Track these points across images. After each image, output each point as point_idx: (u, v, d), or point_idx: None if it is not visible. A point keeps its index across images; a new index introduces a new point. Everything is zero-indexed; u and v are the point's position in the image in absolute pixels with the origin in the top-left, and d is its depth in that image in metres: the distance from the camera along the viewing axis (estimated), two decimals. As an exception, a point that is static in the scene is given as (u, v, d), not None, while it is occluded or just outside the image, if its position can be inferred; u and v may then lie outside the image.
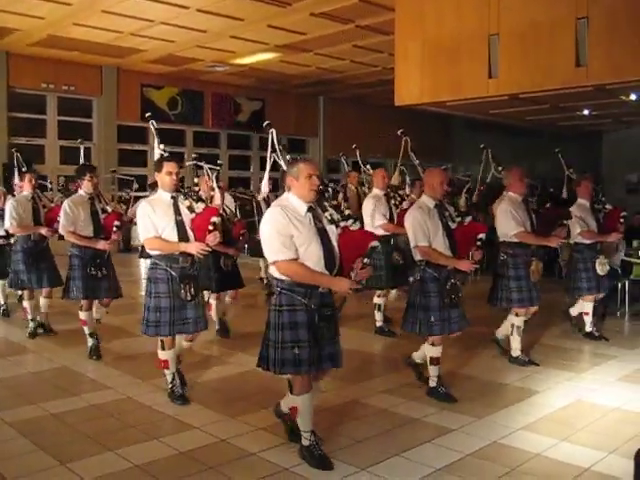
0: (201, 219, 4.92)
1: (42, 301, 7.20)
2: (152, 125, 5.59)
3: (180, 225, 4.86)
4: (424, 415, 4.68)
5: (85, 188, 6.29)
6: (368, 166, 8.92)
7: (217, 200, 6.59)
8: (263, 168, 7.27)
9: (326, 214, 3.92)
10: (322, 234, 3.82)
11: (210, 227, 4.82)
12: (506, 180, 6.14)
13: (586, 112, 12.67)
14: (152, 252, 4.92)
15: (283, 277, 3.77)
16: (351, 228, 3.91)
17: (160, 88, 16.24)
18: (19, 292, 7.97)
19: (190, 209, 4.97)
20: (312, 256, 3.74)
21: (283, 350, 3.74)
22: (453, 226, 5.03)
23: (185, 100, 16.55)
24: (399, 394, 5.18)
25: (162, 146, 5.18)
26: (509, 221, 5.76)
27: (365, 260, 3.75)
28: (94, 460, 3.99)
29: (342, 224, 3.91)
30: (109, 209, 6.45)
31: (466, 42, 8.86)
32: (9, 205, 7.05)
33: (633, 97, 10.65)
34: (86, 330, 6.34)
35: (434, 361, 5.09)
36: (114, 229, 6.14)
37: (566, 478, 3.72)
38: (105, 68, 15.16)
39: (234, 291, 7.12)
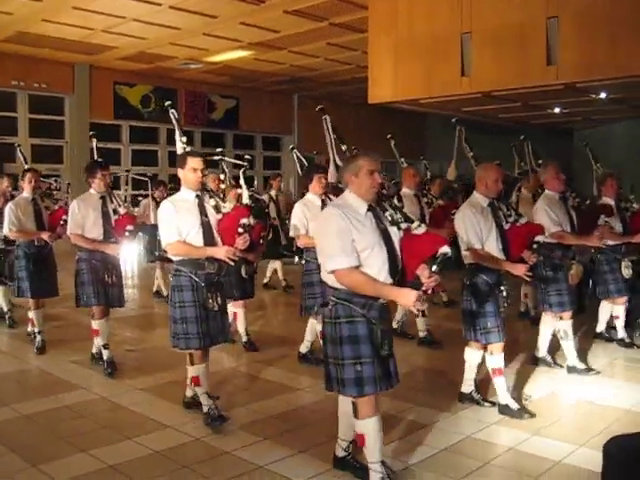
0: (229, 220, 4.56)
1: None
2: (173, 115, 5.13)
3: (206, 227, 4.46)
4: (399, 411, 4.70)
5: (96, 187, 5.73)
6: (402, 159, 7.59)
7: (245, 199, 5.99)
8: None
9: (386, 214, 3.53)
10: (385, 236, 3.41)
11: (240, 229, 4.47)
12: (542, 176, 5.91)
13: (557, 110, 12.83)
14: (175, 258, 4.50)
15: (339, 286, 3.35)
16: (415, 232, 3.46)
17: (133, 86, 16.10)
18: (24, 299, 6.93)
19: (216, 209, 4.61)
20: (376, 261, 3.32)
21: (344, 367, 3.32)
22: (506, 227, 4.70)
23: (158, 98, 16.41)
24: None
25: (184, 139, 4.82)
26: (545, 220, 5.36)
27: (434, 267, 3.24)
28: (66, 461, 3.95)
29: (404, 226, 3.48)
30: (122, 211, 5.82)
31: (439, 40, 8.92)
32: (7, 208, 6.43)
33: (602, 95, 10.81)
34: (98, 342, 5.79)
35: (496, 372, 4.66)
36: (125, 233, 5.62)
37: (538, 471, 3.77)
38: (77, 65, 14.98)
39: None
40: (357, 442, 3.55)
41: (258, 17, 11.17)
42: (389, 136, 6.94)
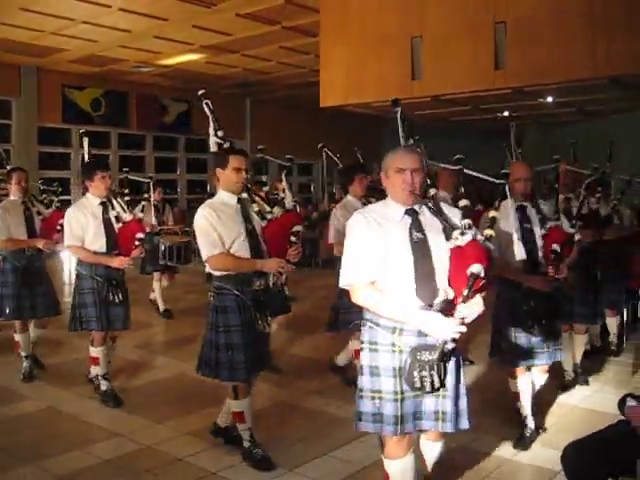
0: (276, 228, 4.13)
1: (34, 332, 5.88)
2: (207, 106, 4.52)
3: (253, 236, 3.91)
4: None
5: (96, 190, 5.02)
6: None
7: (288, 204, 5.13)
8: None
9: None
10: (420, 248, 2.83)
11: (292, 238, 4.03)
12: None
13: (506, 113, 13.06)
14: (216, 273, 3.86)
15: (367, 308, 2.91)
16: (459, 242, 2.76)
17: (83, 89, 15.82)
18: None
19: (261, 215, 4.16)
20: (401, 278, 2.81)
21: (365, 400, 2.90)
22: (540, 233, 4.08)
23: (109, 101, 16.15)
24: (329, 395, 5.21)
25: (221, 133, 4.26)
26: None
27: (464, 292, 2.64)
28: (12, 474, 3.85)
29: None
30: (127, 217, 5.06)
31: (390, 44, 9.00)
32: None
33: (550, 99, 11.06)
34: (97, 371, 5.11)
35: (518, 396, 4.25)
36: (135, 242, 4.87)
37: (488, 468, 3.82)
38: (24, 68, 14.63)
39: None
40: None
41: (210, 20, 11.09)
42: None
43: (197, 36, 12.15)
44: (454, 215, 2.94)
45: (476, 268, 2.62)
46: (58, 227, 5.43)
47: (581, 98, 11.00)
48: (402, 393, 2.84)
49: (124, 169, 6.17)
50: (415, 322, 2.75)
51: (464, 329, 2.67)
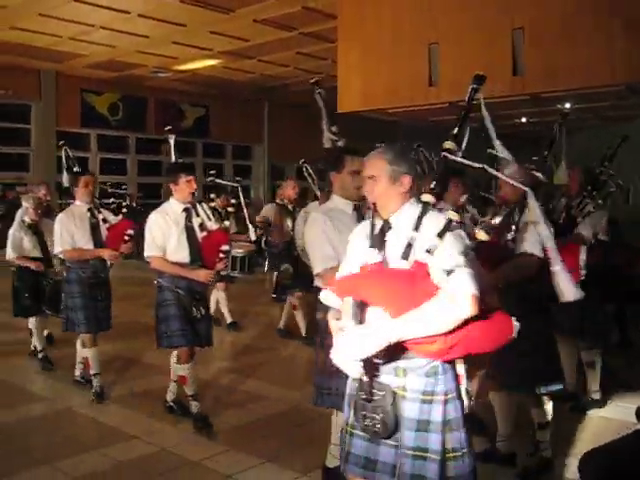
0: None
1: (84, 349, 5.44)
2: (319, 97, 4.32)
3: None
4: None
5: (180, 195, 4.61)
6: None
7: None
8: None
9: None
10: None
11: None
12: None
13: (524, 120, 13.01)
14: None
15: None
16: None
17: (101, 94, 15.95)
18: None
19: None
20: None
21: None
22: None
23: (126, 106, 16.28)
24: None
25: (335, 128, 4.06)
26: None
27: None
28: (28, 475, 3.88)
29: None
30: (212, 225, 4.72)
31: (407, 50, 8.99)
32: (57, 222, 5.21)
33: (567, 105, 10.98)
34: (188, 391, 4.72)
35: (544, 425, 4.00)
36: (220, 255, 4.61)
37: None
38: (43, 72, 14.80)
39: None
40: None
41: (228, 26, 11.16)
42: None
43: (215, 42, 12.23)
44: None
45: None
46: (126, 237, 5.16)
47: (599, 104, 10.93)
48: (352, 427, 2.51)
49: (210, 172, 6.18)
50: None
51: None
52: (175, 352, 4.73)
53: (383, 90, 9.33)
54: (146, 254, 4.56)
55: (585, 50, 7.56)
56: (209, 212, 4.84)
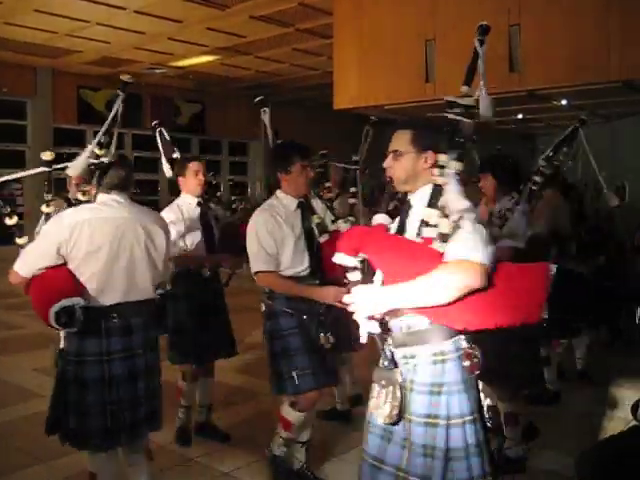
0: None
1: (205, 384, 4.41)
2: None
3: None
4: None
5: (292, 188, 3.57)
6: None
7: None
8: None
9: None
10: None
11: None
12: None
13: (520, 116, 13.00)
14: None
15: None
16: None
17: (97, 90, 15.91)
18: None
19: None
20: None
21: None
22: None
23: (123, 102, 16.23)
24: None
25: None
26: None
27: None
28: (29, 472, 3.89)
29: None
30: (337, 226, 3.80)
31: (403, 47, 8.99)
32: (167, 216, 3.82)
33: (564, 102, 10.99)
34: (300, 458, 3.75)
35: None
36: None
37: None
38: (39, 69, 14.75)
39: None
40: None
41: (224, 22, 11.14)
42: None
43: (211, 38, 12.20)
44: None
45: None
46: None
47: (595, 101, 10.94)
48: None
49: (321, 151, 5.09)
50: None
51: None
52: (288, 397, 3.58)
53: (379, 87, 9.33)
54: (254, 269, 3.49)
55: (582, 47, 7.57)
56: (324, 208, 3.94)
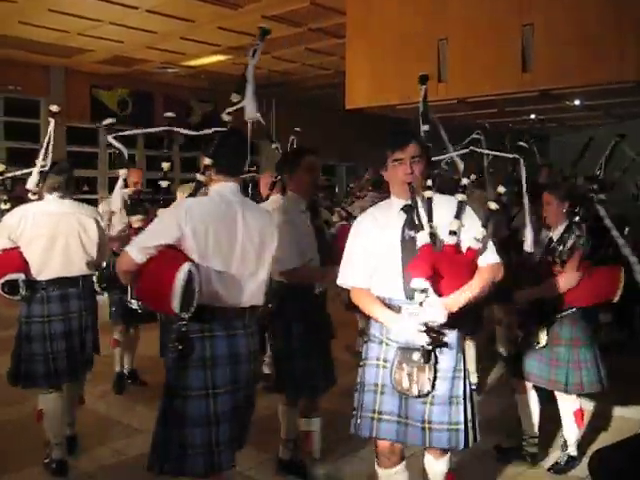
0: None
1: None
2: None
3: None
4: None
5: (398, 185, 2.99)
6: None
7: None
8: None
9: None
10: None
11: None
12: None
13: (533, 116, 12.94)
14: None
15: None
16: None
17: (110, 89, 15.98)
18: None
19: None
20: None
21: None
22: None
23: (135, 101, 16.29)
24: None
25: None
26: None
27: None
28: (33, 471, 3.90)
29: None
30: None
31: (415, 47, 8.95)
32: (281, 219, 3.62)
33: (577, 102, 10.93)
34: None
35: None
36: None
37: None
38: (52, 68, 14.83)
39: None
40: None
41: (236, 21, 11.14)
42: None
43: (223, 37, 12.22)
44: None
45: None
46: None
47: (608, 101, 10.87)
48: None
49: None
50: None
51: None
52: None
53: (391, 86, 9.30)
54: (347, 283, 3.01)
55: (595, 47, 7.52)
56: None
